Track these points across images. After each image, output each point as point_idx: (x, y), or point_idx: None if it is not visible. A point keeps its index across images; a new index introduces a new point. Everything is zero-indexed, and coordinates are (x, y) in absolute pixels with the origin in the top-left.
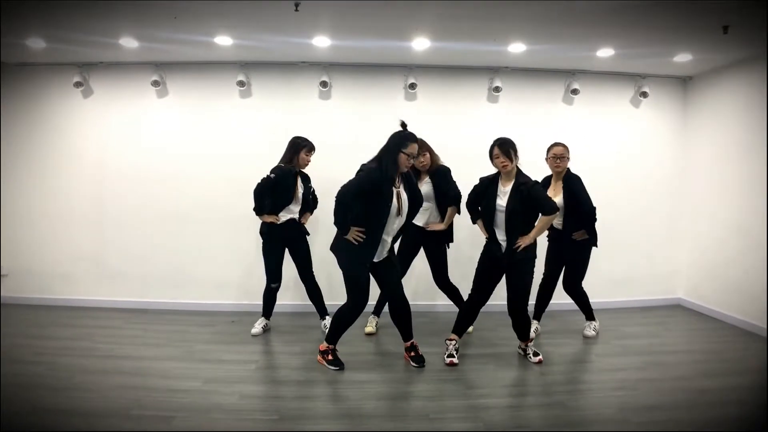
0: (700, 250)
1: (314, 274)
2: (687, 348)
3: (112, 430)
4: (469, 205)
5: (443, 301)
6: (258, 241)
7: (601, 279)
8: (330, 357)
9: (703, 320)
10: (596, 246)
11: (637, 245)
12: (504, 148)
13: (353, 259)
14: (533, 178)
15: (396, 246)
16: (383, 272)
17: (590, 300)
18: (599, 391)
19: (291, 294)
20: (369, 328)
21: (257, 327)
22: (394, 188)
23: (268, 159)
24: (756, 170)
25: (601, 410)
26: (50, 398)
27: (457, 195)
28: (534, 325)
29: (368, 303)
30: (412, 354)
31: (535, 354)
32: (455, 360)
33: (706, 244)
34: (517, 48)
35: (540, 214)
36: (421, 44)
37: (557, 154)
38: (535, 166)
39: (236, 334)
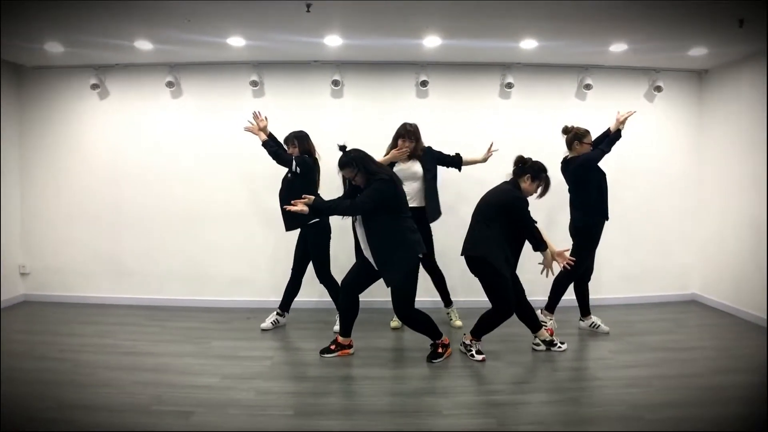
0: (715, 245)
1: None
2: (701, 344)
3: (134, 425)
4: None
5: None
6: (273, 238)
7: (615, 274)
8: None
9: (718, 316)
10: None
11: (651, 240)
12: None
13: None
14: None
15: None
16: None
17: (604, 296)
18: (612, 388)
19: (307, 290)
20: (394, 323)
21: (267, 322)
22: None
23: None
24: None
25: (614, 407)
26: (75, 394)
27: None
28: (550, 318)
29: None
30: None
31: (562, 342)
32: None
33: (721, 239)
34: (528, 44)
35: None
36: (432, 42)
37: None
38: (548, 162)
39: (252, 330)
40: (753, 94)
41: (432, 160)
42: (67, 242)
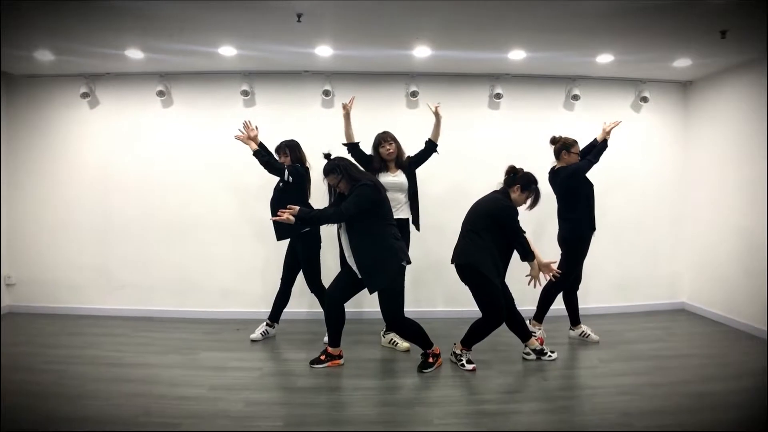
0: (703, 254)
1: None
2: (690, 352)
3: None
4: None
5: (441, 308)
6: (263, 248)
7: (604, 283)
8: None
9: (707, 324)
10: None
11: (640, 249)
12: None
13: (397, 266)
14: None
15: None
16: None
17: (594, 305)
18: (602, 396)
19: (297, 301)
20: (405, 344)
21: (256, 333)
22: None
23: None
24: (757, 173)
25: (605, 415)
26: (63, 406)
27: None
28: (538, 327)
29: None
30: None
31: (552, 351)
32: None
33: (709, 248)
34: (517, 55)
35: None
36: (422, 52)
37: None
38: (536, 172)
39: (241, 341)
40: (737, 105)
41: (413, 172)
42: (55, 252)
